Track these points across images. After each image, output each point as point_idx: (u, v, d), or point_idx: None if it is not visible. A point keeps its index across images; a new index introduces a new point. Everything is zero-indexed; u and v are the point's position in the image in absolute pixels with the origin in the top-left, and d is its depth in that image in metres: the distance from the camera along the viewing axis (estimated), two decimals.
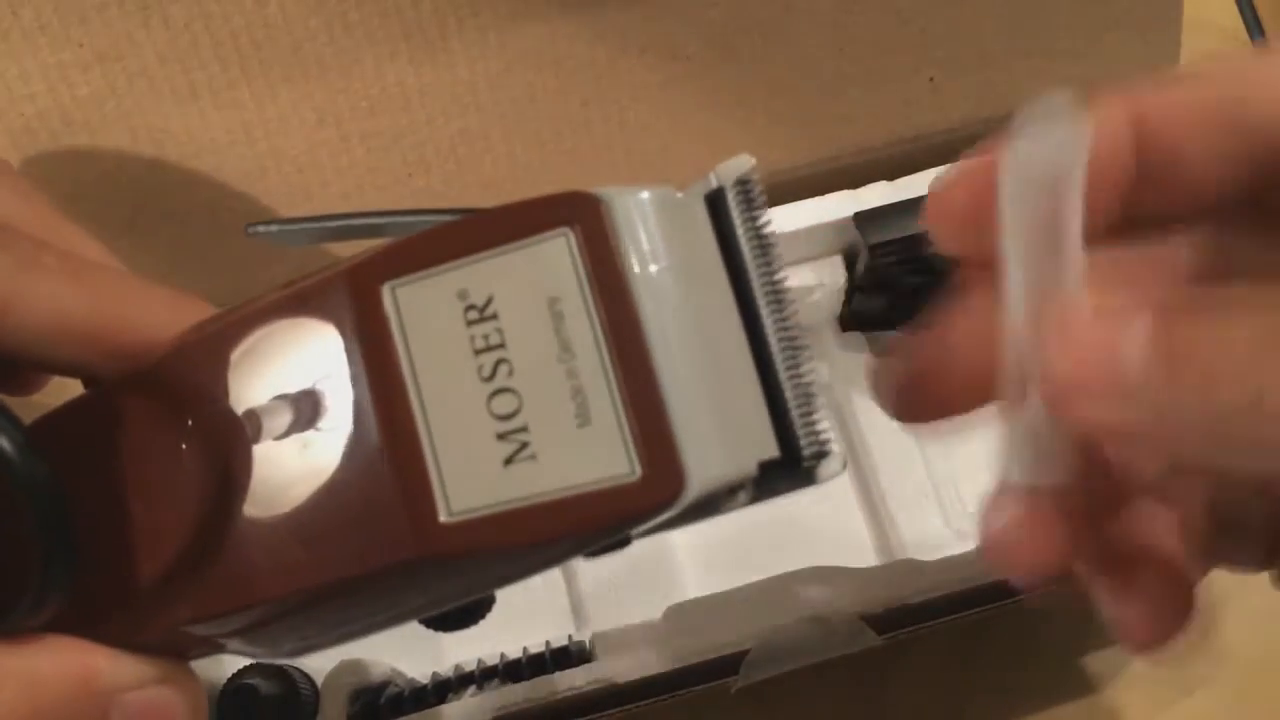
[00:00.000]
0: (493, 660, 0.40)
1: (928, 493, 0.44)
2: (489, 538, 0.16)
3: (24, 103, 0.34)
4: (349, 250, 0.19)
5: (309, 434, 0.17)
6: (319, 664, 0.37)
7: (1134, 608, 0.21)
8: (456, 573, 0.17)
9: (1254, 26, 0.49)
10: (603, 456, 0.16)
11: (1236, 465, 0.18)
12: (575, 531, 0.16)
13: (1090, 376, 0.17)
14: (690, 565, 0.43)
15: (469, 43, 0.36)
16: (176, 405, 0.19)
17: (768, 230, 0.18)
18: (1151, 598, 0.21)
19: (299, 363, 0.17)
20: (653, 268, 0.16)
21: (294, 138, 0.37)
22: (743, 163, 0.18)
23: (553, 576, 0.43)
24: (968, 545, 0.40)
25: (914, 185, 0.40)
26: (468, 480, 0.16)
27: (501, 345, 0.16)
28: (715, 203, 0.18)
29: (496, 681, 0.37)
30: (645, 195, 0.17)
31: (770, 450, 0.18)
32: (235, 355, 0.18)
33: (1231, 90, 0.19)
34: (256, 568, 0.17)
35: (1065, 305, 0.17)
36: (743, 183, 0.18)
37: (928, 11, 0.40)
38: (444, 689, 0.38)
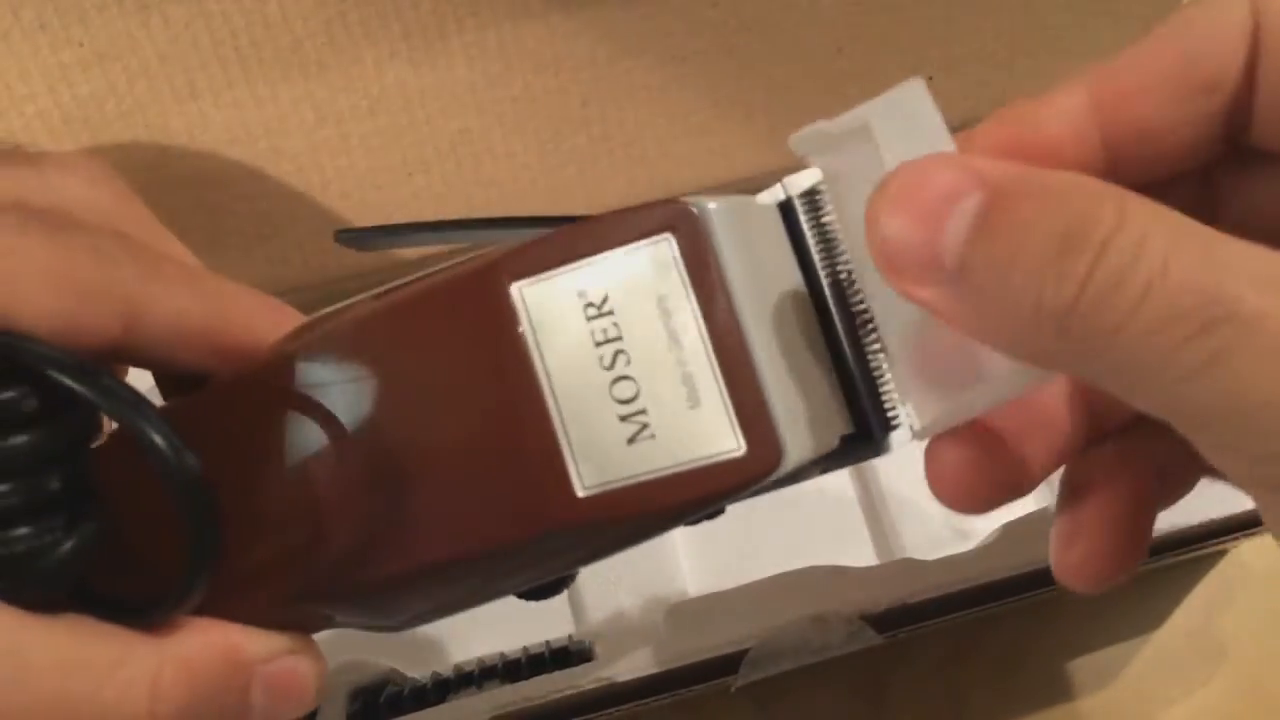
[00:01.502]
0: (493, 660, 0.40)
1: (928, 493, 0.44)
2: (620, 509, 0.18)
3: (24, 103, 0.34)
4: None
5: (448, 421, 0.19)
6: None
7: (1079, 547, 0.21)
8: (585, 542, 0.19)
9: None
10: (713, 435, 0.18)
11: (1042, 364, 0.18)
12: (692, 501, 0.18)
13: (914, 250, 0.17)
14: (690, 565, 0.43)
15: (469, 43, 0.36)
16: (301, 398, 0.20)
17: (833, 231, 0.21)
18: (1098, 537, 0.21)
19: (431, 357, 0.19)
20: (741, 266, 0.19)
21: (294, 138, 0.37)
22: (811, 175, 0.21)
23: None
24: (968, 545, 0.40)
25: None
26: (597, 458, 0.18)
27: (619, 338, 0.18)
28: (786, 208, 0.21)
29: (496, 681, 0.37)
30: (731, 203, 0.19)
31: (848, 426, 0.20)
32: (363, 351, 0.20)
33: (1180, 53, 0.20)
34: (389, 548, 0.19)
35: (915, 169, 0.17)
36: (810, 192, 0.21)
37: (927, 11, 0.40)
38: (444, 689, 0.38)
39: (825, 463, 0.20)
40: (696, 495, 0.18)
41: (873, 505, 0.45)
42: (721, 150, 0.42)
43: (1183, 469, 0.22)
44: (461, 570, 0.19)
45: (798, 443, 0.18)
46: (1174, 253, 0.15)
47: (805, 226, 0.21)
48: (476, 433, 0.19)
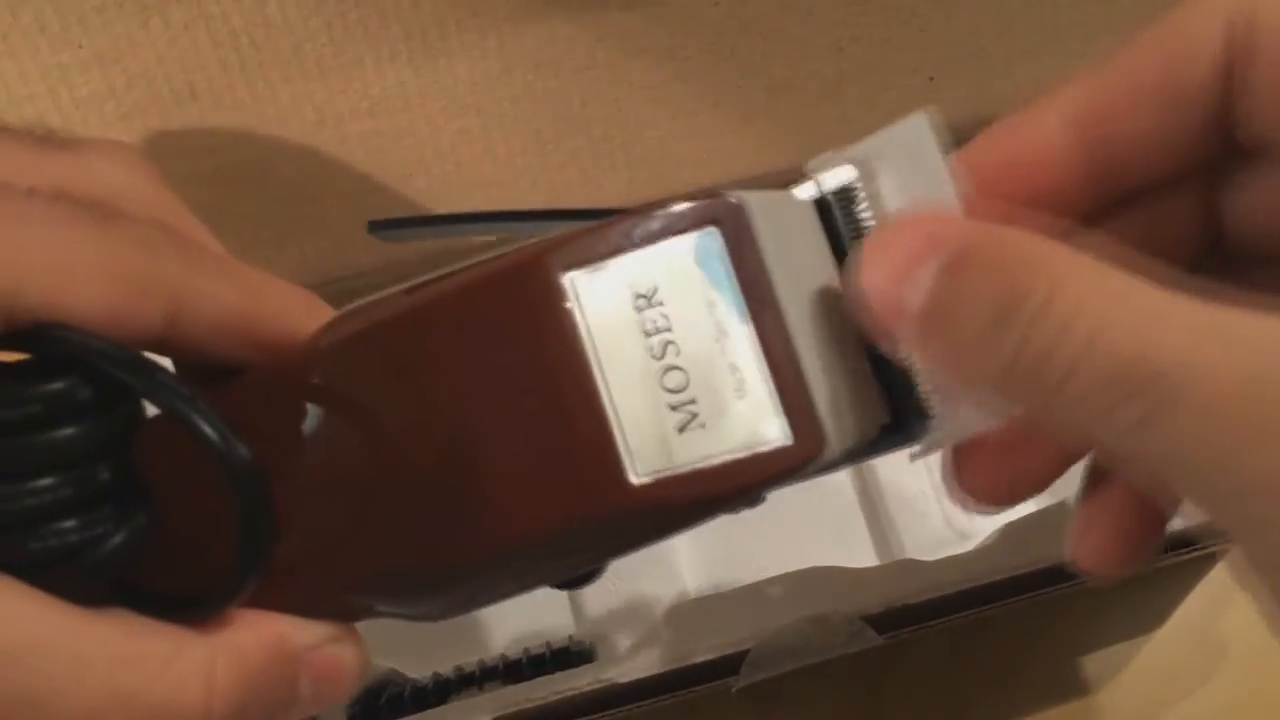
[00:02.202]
0: (493, 660, 0.40)
1: (928, 493, 0.44)
2: (671, 496, 0.18)
3: (24, 103, 0.34)
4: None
5: (497, 410, 0.19)
6: None
7: (1095, 536, 0.22)
8: (634, 529, 0.19)
9: None
10: (759, 425, 0.18)
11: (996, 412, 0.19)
12: (739, 489, 0.18)
13: (882, 304, 0.19)
14: (690, 565, 0.43)
15: (469, 43, 0.36)
16: (344, 390, 0.20)
17: (867, 227, 0.21)
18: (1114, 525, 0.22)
19: (479, 347, 0.19)
20: (782, 259, 0.19)
21: (294, 138, 0.37)
22: (846, 172, 0.22)
23: None
24: (968, 545, 0.40)
25: None
26: (650, 447, 0.18)
27: (668, 329, 0.19)
28: (821, 204, 0.22)
29: (497, 682, 0.38)
30: (771, 197, 0.20)
31: (884, 416, 0.21)
32: (408, 342, 0.20)
33: (1160, 62, 0.20)
34: (435, 538, 0.19)
35: (888, 231, 0.19)
36: (844, 189, 0.21)
37: (927, 11, 0.40)
38: (444, 689, 0.38)
39: (864, 452, 0.21)
40: (743, 483, 0.18)
41: (873, 505, 0.45)
42: (721, 150, 0.42)
43: None
44: (510, 559, 0.19)
45: (839, 432, 0.19)
46: (1104, 324, 0.16)
47: (840, 222, 0.21)
48: (528, 422, 0.19)
